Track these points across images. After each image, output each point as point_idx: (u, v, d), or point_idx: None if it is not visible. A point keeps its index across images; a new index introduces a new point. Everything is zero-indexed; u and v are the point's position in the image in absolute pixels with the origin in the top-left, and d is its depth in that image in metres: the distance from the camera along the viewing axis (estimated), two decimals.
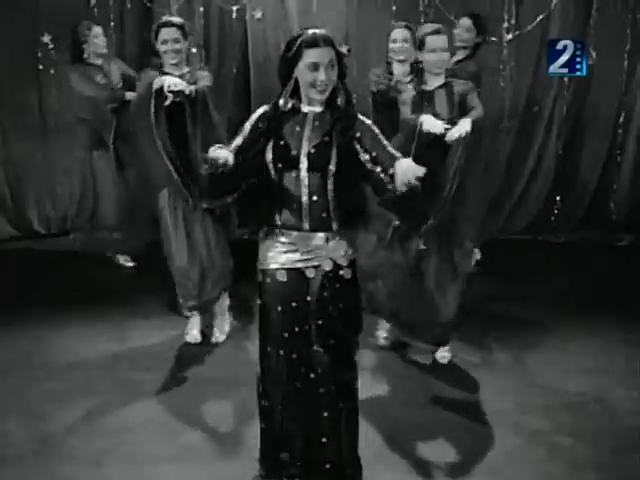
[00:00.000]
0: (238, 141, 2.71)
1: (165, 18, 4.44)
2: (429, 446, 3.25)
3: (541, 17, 6.22)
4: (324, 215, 2.70)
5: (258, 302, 2.79)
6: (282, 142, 2.68)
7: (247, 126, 2.74)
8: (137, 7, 6.28)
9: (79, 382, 3.81)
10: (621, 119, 6.33)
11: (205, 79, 4.17)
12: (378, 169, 2.62)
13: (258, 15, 6.22)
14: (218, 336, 4.36)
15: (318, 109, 2.71)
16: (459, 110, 3.80)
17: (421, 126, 3.68)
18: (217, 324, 4.40)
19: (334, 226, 2.72)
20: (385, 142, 2.70)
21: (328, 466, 2.80)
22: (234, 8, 6.28)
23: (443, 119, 3.74)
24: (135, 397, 3.66)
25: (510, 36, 6.25)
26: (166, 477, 3.04)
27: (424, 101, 3.85)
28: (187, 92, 3.92)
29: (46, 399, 3.62)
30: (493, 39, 6.13)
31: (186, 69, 4.22)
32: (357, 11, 6.14)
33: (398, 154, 2.65)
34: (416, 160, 2.57)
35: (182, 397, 3.69)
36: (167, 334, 4.41)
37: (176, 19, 4.37)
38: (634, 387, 3.77)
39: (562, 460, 3.16)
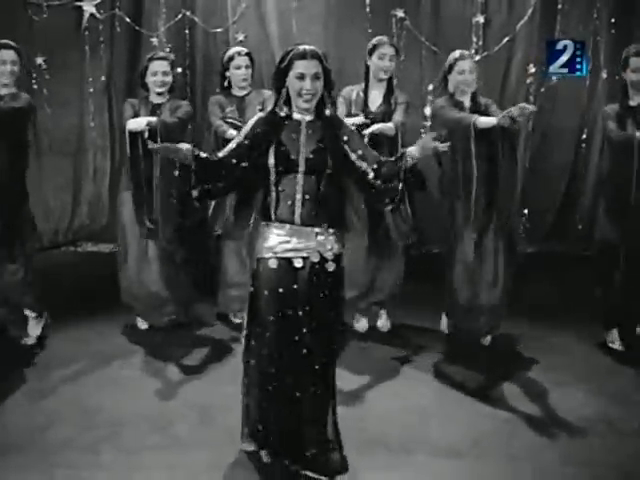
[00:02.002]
0: (232, 145, 3.07)
1: (158, 52, 4.91)
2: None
3: (507, 39, 6.52)
4: (314, 212, 3.06)
5: (250, 289, 3.12)
6: (282, 148, 3.03)
7: (242, 132, 3.11)
8: (126, 31, 6.50)
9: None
10: (584, 135, 6.65)
11: (180, 110, 4.59)
12: (364, 165, 3.06)
13: (241, 38, 6.45)
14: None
15: (309, 117, 3.06)
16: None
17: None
18: None
19: (322, 223, 3.07)
20: (365, 143, 3.05)
21: (309, 439, 3.10)
22: (218, 31, 6.51)
23: None
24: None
25: (478, 57, 6.42)
26: (156, 464, 3.26)
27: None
28: (147, 128, 4.35)
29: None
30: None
31: (167, 97, 4.64)
32: (335, 33, 6.42)
33: (376, 153, 3.11)
34: None
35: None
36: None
37: (166, 54, 4.89)
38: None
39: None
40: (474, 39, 6.50)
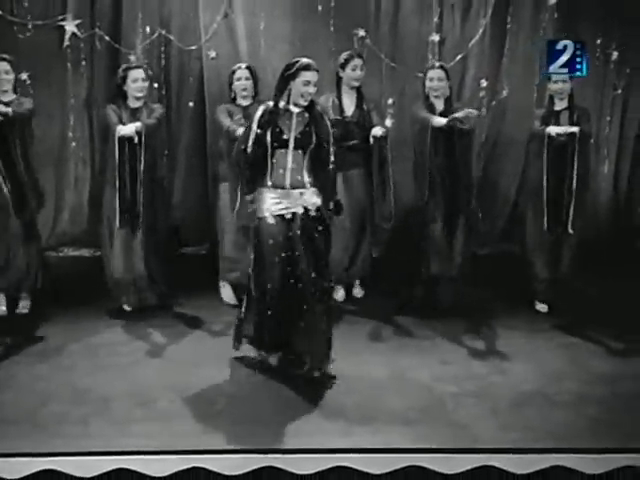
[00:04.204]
0: (253, 135, 4.02)
1: (133, 61, 5.43)
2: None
3: (460, 56, 6.76)
4: (299, 177, 4.04)
5: (254, 241, 4.07)
6: (277, 130, 4.01)
7: (255, 122, 4.03)
8: (105, 48, 6.60)
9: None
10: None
11: (155, 112, 5.14)
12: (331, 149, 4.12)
13: (213, 55, 6.64)
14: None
15: (298, 110, 4.06)
16: None
17: None
18: None
19: (306, 184, 4.04)
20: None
21: (304, 346, 4.05)
22: (192, 48, 6.69)
23: None
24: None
25: None
26: (141, 433, 3.63)
27: None
28: (135, 134, 4.93)
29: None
30: (420, 75, 6.71)
31: (143, 101, 5.13)
32: (300, 50, 6.42)
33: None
34: None
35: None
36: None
37: (140, 62, 5.50)
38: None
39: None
40: (430, 56, 6.75)
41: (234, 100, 5.45)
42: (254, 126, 4.03)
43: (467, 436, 3.65)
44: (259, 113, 4.04)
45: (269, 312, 4.06)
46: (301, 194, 4.05)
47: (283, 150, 4.03)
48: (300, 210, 4.04)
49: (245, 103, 5.42)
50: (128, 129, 4.95)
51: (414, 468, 3.47)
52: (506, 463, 3.49)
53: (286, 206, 4.03)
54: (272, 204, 4.04)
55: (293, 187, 4.05)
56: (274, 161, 4.04)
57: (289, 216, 4.03)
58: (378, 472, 3.46)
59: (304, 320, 4.04)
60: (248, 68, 5.48)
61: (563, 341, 4.91)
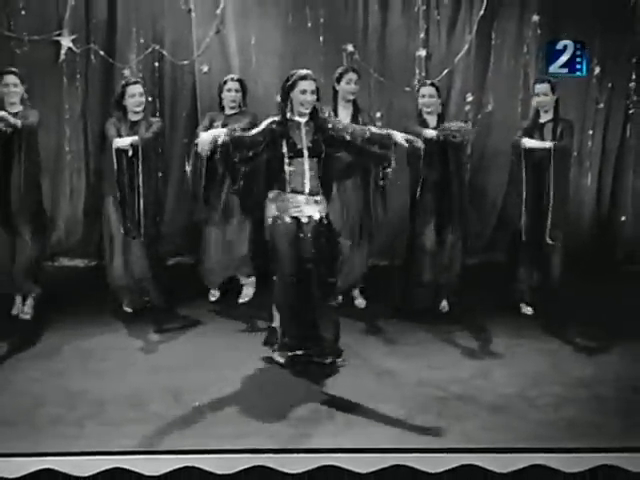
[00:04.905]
0: (258, 129, 4.32)
1: (131, 78, 5.65)
2: None
3: (446, 71, 6.92)
4: (316, 184, 4.40)
5: (270, 240, 4.41)
6: (290, 140, 4.32)
7: (262, 125, 4.34)
8: (100, 63, 6.75)
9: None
10: None
11: (154, 126, 5.33)
12: (348, 136, 4.35)
13: (205, 69, 6.80)
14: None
15: (305, 119, 4.35)
16: None
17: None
18: None
19: (320, 191, 4.41)
20: (351, 126, 4.52)
21: (317, 339, 4.42)
22: (184, 63, 6.82)
23: None
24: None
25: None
26: (134, 434, 3.74)
27: None
28: (133, 146, 5.13)
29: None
30: (407, 89, 6.91)
31: (142, 115, 5.30)
32: (290, 65, 6.55)
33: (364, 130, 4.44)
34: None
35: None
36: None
37: (138, 78, 5.66)
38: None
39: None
40: (417, 71, 6.93)
41: (222, 108, 5.69)
42: (262, 127, 4.34)
43: (452, 436, 3.78)
44: (267, 121, 4.35)
45: (289, 304, 4.41)
46: (316, 202, 4.41)
47: (299, 159, 4.34)
48: (316, 215, 4.38)
49: (230, 112, 5.67)
50: (123, 142, 5.17)
51: (400, 467, 3.59)
52: (488, 462, 3.61)
53: (302, 209, 4.35)
54: (291, 206, 4.36)
55: (311, 193, 4.38)
56: (292, 169, 4.35)
57: (305, 220, 4.36)
58: (365, 471, 3.58)
59: (319, 316, 4.42)
60: (239, 81, 5.71)
61: (545, 346, 5.05)
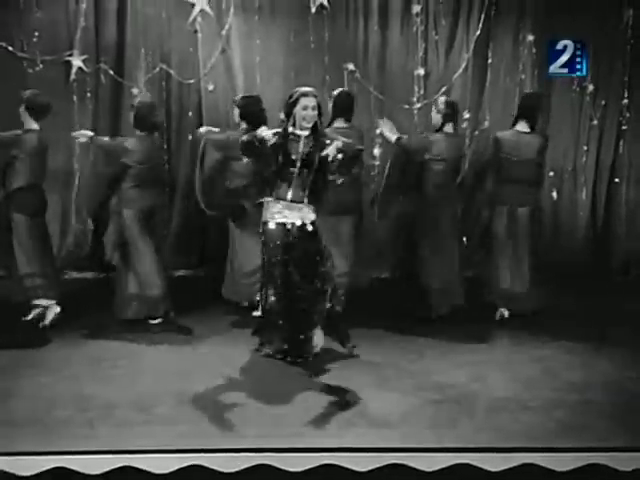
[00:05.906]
0: (264, 133, 4.61)
1: (137, 95, 5.99)
2: None
3: (444, 89, 7.11)
4: (301, 193, 4.65)
5: (262, 239, 4.69)
6: (287, 151, 4.58)
7: (269, 133, 4.60)
8: (110, 82, 6.94)
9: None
10: None
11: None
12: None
13: (210, 88, 7.03)
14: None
15: (306, 133, 4.62)
16: None
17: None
18: None
19: (305, 200, 4.64)
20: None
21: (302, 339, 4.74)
22: (191, 82, 7.04)
23: None
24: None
25: (420, 104, 7.16)
26: (142, 434, 3.89)
27: None
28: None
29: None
30: (406, 107, 7.16)
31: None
32: (293, 84, 6.67)
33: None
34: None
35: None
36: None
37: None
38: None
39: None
40: (416, 89, 7.15)
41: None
42: (264, 134, 4.61)
43: (447, 437, 3.92)
44: (273, 131, 4.63)
45: (279, 315, 4.72)
46: (299, 208, 4.63)
47: (291, 168, 4.60)
48: (298, 222, 4.61)
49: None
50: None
51: (397, 466, 3.72)
52: (481, 461, 3.75)
53: (286, 215, 4.62)
54: (275, 213, 4.63)
55: (294, 201, 4.63)
56: (281, 178, 4.63)
57: (289, 226, 4.62)
58: (363, 469, 3.71)
59: (303, 319, 4.73)
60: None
61: (537, 353, 5.21)
